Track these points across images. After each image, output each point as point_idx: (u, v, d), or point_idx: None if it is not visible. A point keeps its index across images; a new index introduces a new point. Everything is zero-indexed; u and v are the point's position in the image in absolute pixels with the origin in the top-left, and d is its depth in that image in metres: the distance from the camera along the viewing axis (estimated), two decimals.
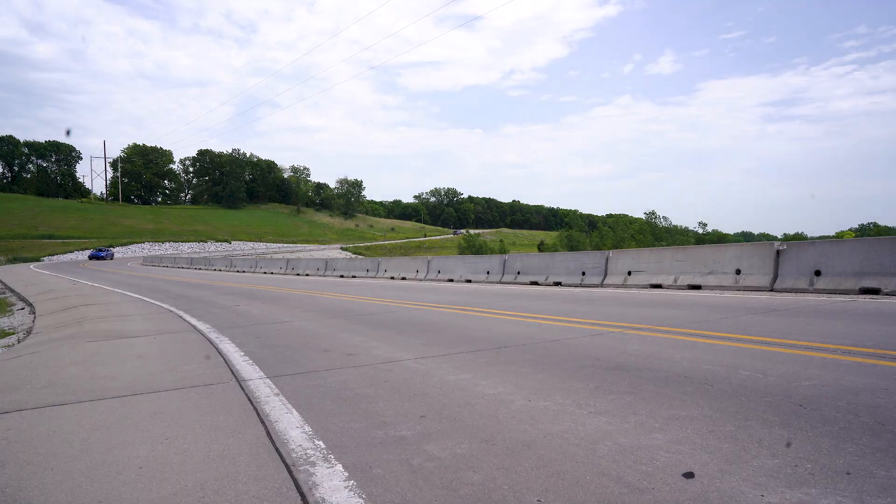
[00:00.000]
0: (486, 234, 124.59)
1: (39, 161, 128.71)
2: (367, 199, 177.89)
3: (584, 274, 12.57)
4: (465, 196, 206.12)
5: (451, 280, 16.88)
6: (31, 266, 46.47)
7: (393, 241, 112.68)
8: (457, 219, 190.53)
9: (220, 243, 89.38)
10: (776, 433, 2.51)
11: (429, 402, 3.29)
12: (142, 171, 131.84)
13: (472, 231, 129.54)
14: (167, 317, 9.03)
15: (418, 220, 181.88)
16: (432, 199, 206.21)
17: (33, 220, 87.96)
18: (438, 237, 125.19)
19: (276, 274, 28.18)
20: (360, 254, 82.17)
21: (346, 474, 2.30)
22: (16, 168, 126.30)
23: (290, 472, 2.36)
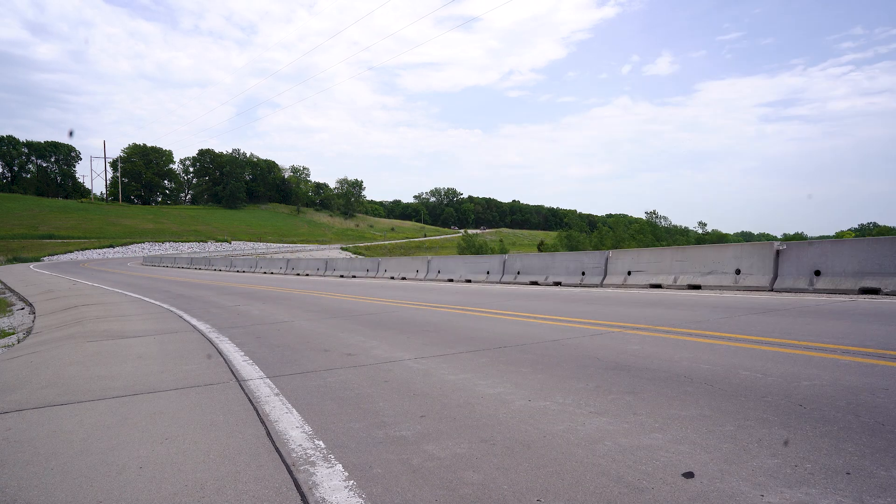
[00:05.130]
0: (486, 234, 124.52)
1: (39, 161, 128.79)
2: (367, 199, 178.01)
3: (583, 274, 12.57)
4: (465, 196, 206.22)
5: (451, 280, 16.88)
6: (31, 266, 46.49)
7: (393, 241, 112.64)
8: (457, 219, 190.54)
9: (220, 243, 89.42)
10: (776, 433, 2.51)
11: (429, 402, 3.29)
12: (142, 171, 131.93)
13: (471, 231, 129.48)
14: (167, 317, 9.03)
15: (418, 220, 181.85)
16: (432, 200, 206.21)
17: (33, 220, 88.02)
18: (438, 237, 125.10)
19: (276, 274, 28.18)
20: (360, 254, 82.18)
21: (346, 474, 2.30)
22: (16, 168, 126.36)
23: (290, 471, 2.36)
